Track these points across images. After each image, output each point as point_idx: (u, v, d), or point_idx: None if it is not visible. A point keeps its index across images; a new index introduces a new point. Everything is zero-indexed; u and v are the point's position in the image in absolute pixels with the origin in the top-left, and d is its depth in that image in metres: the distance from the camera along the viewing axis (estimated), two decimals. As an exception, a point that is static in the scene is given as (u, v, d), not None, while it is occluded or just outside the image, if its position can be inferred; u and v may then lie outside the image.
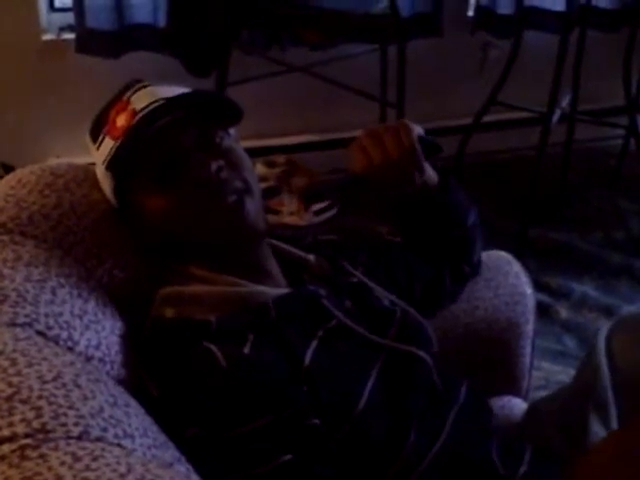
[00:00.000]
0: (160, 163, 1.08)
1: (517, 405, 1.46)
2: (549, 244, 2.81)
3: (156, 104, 1.08)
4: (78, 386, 0.83)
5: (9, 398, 0.78)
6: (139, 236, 1.14)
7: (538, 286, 2.23)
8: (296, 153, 2.98)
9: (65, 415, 0.78)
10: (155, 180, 1.09)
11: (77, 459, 0.73)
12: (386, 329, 1.14)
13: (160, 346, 1.04)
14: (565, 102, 2.90)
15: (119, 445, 0.79)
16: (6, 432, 0.75)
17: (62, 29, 2.79)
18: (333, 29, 2.61)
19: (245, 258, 1.13)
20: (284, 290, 1.14)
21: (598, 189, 3.18)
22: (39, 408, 0.78)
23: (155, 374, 1.01)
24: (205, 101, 1.13)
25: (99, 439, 0.77)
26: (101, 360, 0.98)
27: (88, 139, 1.15)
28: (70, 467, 0.72)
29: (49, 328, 0.94)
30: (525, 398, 1.53)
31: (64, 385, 0.82)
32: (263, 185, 2.91)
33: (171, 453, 0.86)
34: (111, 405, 0.84)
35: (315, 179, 2.80)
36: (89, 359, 0.96)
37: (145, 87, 1.12)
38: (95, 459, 0.74)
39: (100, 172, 1.13)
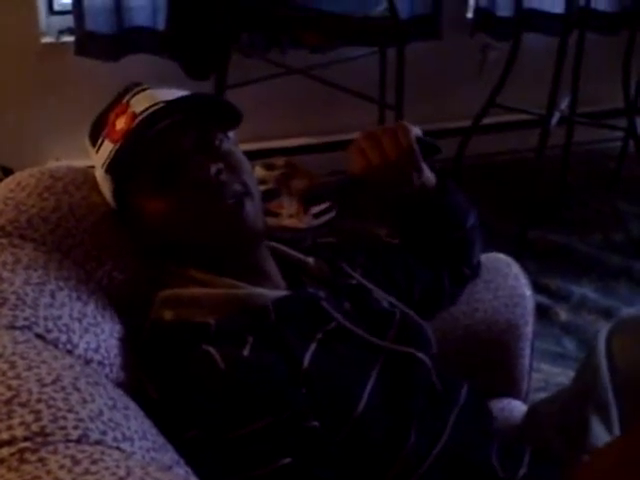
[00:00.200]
0: (159, 166, 1.08)
1: (516, 407, 1.46)
2: (548, 246, 2.81)
3: (155, 107, 1.08)
4: (77, 389, 0.83)
5: (8, 401, 0.78)
6: (138, 239, 1.14)
7: (537, 288, 2.23)
8: (295, 155, 2.98)
9: (64, 418, 0.78)
10: (154, 183, 1.09)
11: (76, 462, 0.73)
12: (385, 331, 1.14)
13: (159, 349, 1.04)
14: (564, 104, 2.90)
15: (118, 448, 0.78)
16: (5, 435, 0.75)
17: (61, 32, 2.79)
18: (332, 32, 2.61)
19: (244, 260, 1.13)
20: (283, 292, 1.14)
21: (597, 191, 3.19)
22: (38, 411, 0.77)
23: (154, 377, 1.01)
24: (204, 104, 1.13)
25: (98, 442, 0.77)
26: (100, 363, 0.98)
27: (87, 142, 1.15)
28: (69, 470, 0.72)
29: (48, 331, 0.94)
30: (525, 400, 1.53)
31: (63, 388, 0.82)
32: (262, 188, 2.92)
33: (170, 456, 0.86)
34: (110, 408, 0.84)
35: (314, 181, 2.80)
36: (88, 362, 0.96)
37: (144, 90, 1.12)
38: (94, 462, 0.74)
39: (99, 175, 1.13)
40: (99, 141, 1.12)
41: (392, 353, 1.12)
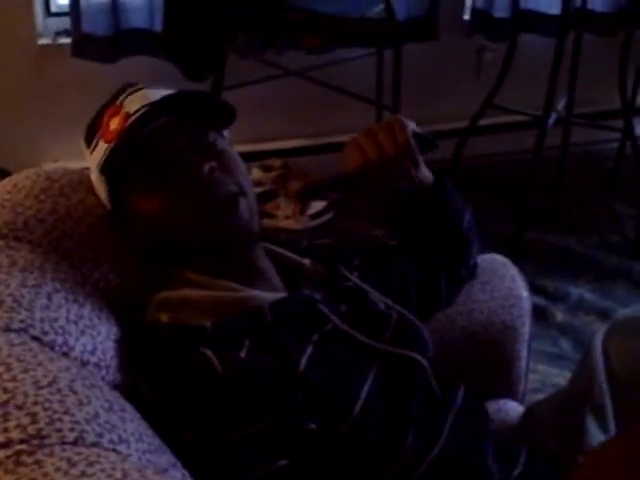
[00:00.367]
0: (153, 165, 1.08)
1: (513, 408, 1.46)
2: (545, 247, 2.81)
3: (149, 107, 1.08)
4: (73, 391, 0.83)
5: (4, 404, 0.78)
6: (135, 240, 1.14)
7: (534, 289, 2.23)
8: (292, 157, 2.98)
9: (60, 421, 0.78)
10: (148, 182, 1.09)
11: (72, 465, 0.73)
12: (382, 333, 1.14)
13: (156, 351, 1.04)
14: (561, 105, 2.90)
15: (114, 450, 0.78)
16: (1, 438, 0.74)
17: (58, 34, 2.79)
18: (330, 33, 2.61)
19: (240, 262, 1.13)
20: (280, 294, 1.14)
21: (594, 192, 3.19)
22: (34, 414, 0.77)
23: (151, 379, 1.01)
24: (197, 102, 1.13)
25: (94, 444, 0.77)
26: (97, 365, 0.98)
27: (83, 144, 1.15)
28: (65, 473, 0.72)
29: (44, 333, 0.94)
30: (521, 401, 1.53)
31: (59, 390, 0.81)
32: (259, 189, 2.93)
33: (167, 458, 0.86)
34: (106, 410, 0.83)
35: (311, 178, 2.80)
36: (85, 364, 0.96)
37: (138, 90, 1.12)
38: (90, 465, 0.74)
39: (94, 176, 1.13)
40: (94, 142, 1.12)
41: (389, 355, 1.12)
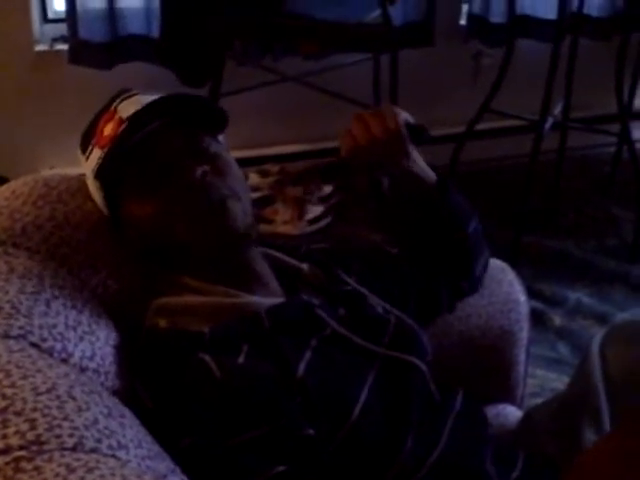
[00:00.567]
0: (147, 168, 1.08)
1: (512, 413, 1.46)
2: (543, 251, 2.81)
3: (142, 110, 1.08)
4: (72, 397, 0.83)
5: (3, 410, 0.78)
6: (132, 245, 1.15)
7: (532, 293, 2.23)
8: (289, 162, 2.98)
9: (59, 427, 0.78)
10: (142, 186, 1.09)
11: (71, 471, 0.73)
12: (381, 337, 1.14)
13: (154, 357, 1.04)
14: (558, 110, 2.91)
15: (114, 456, 0.78)
16: (0, 444, 0.75)
17: (55, 40, 2.79)
18: (327, 39, 2.61)
19: (238, 267, 1.13)
20: (278, 300, 1.14)
21: (591, 196, 3.19)
22: (33, 420, 0.77)
23: (150, 385, 1.01)
24: (190, 105, 1.13)
25: (94, 450, 0.77)
26: (95, 371, 0.98)
27: (79, 151, 1.15)
28: (65, 479, 0.72)
29: (43, 340, 0.94)
30: (520, 405, 1.53)
31: (58, 397, 0.82)
32: (257, 194, 2.93)
33: (166, 464, 0.86)
34: (105, 416, 0.84)
35: (314, 193, 2.81)
36: (83, 370, 0.96)
37: (132, 96, 1.12)
38: (90, 471, 0.74)
39: (90, 182, 1.14)
40: (89, 149, 1.12)
41: (388, 359, 1.12)
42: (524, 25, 3.06)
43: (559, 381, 2.16)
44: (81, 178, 1.18)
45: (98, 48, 2.67)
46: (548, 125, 2.72)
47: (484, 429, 1.20)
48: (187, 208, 1.08)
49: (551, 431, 1.27)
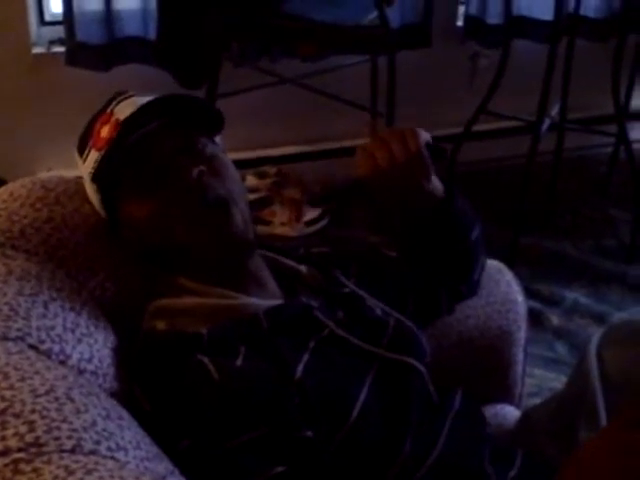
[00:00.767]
0: (143, 170, 1.09)
1: (510, 413, 1.46)
2: (540, 252, 2.82)
3: (138, 111, 1.08)
4: (71, 399, 0.83)
5: (2, 412, 0.78)
6: (129, 247, 1.15)
7: (529, 294, 2.24)
8: (287, 164, 2.98)
9: (58, 429, 0.78)
10: (139, 187, 1.09)
11: (70, 472, 0.73)
12: (379, 338, 1.14)
13: (152, 359, 1.04)
14: (554, 111, 2.91)
15: (112, 458, 0.78)
16: (-1, 446, 0.75)
17: (52, 42, 2.79)
18: (325, 41, 2.62)
19: (236, 269, 1.13)
20: (277, 301, 1.14)
21: (588, 197, 3.20)
22: (32, 422, 0.77)
23: (148, 387, 1.01)
24: (187, 106, 1.13)
25: (92, 452, 0.77)
26: (93, 373, 0.98)
27: (76, 154, 1.15)
28: (63, 480, 0.72)
29: (41, 342, 0.94)
30: (518, 405, 1.53)
31: (57, 399, 0.82)
32: (254, 196, 2.93)
33: (164, 465, 0.86)
34: (104, 418, 0.84)
35: (322, 185, 2.80)
36: (81, 372, 0.96)
37: (128, 98, 1.12)
38: (89, 472, 0.74)
39: (87, 185, 1.14)
40: (86, 151, 1.12)
41: (386, 361, 1.12)
42: (521, 26, 3.07)
43: (557, 381, 2.16)
44: (79, 180, 1.18)
45: (95, 50, 2.67)
46: (545, 126, 2.72)
47: (483, 428, 1.20)
48: (184, 209, 1.08)
49: (549, 431, 1.28)
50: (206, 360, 1.00)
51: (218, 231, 1.09)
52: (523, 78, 2.90)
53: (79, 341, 0.99)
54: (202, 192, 1.08)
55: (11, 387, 0.81)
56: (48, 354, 0.93)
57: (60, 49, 2.74)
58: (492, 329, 1.47)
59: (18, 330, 0.93)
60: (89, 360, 0.98)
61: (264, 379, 1.01)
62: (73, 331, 0.99)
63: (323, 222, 2.82)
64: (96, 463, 0.75)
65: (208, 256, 1.11)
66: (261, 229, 2.64)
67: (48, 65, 2.76)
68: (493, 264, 1.53)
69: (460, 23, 3.22)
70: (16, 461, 0.73)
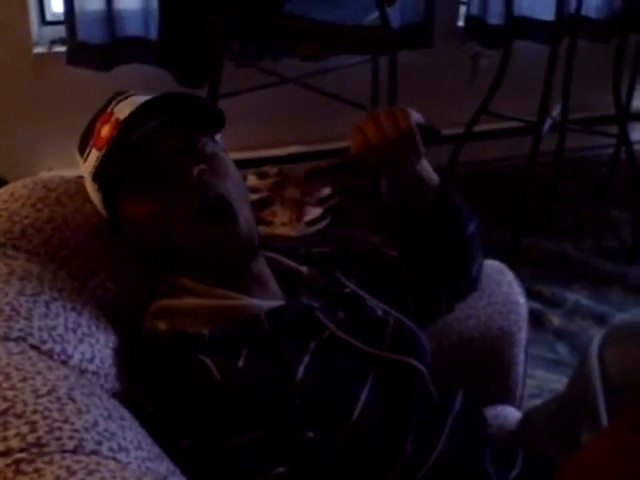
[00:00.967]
0: (143, 169, 1.08)
1: (511, 414, 1.46)
2: (541, 253, 2.82)
3: (138, 110, 1.08)
4: (72, 400, 0.83)
5: (3, 412, 0.78)
6: (131, 246, 1.15)
7: (531, 295, 2.24)
8: (288, 164, 2.98)
9: (60, 429, 0.78)
10: (139, 187, 1.09)
11: (72, 473, 0.73)
12: (380, 339, 1.14)
13: (154, 359, 1.04)
14: (556, 111, 2.91)
15: (114, 459, 0.78)
16: (1, 447, 0.75)
17: (53, 42, 2.79)
18: (326, 41, 2.62)
19: (238, 270, 1.13)
20: (278, 302, 1.14)
21: (589, 198, 3.20)
22: (34, 422, 0.77)
23: (149, 387, 1.01)
24: (187, 105, 1.13)
25: (94, 453, 0.77)
26: (95, 373, 0.98)
27: (77, 154, 1.15)
28: (65, 481, 0.72)
29: (43, 342, 0.94)
30: (519, 406, 1.53)
31: (58, 399, 0.82)
32: (256, 196, 2.93)
33: (166, 466, 0.86)
34: (105, 418, 0.84)
35: (314, 194, 2.80)
36: (83, 372, 0.96)
37: (128, 97, 1.12)
38: (90, 473, 0.74)
39: (88, 185, 1.14)
40: (86, 151, 1.13)
41: (387, 362, 1.12)
42: (522, 26, 3.07)
43: (558, 382, 2.16)
44: (80, 180, 1.18)
45: (96, 50, 2.68)
46: (546, 126, 2.72)
47: (483, 429, 1.20)
48: (184, 207, 1.08)
49: (550, 432, 1.27)
50: (208, 361, 1.00)
51: (220, 232, 1.08)
52: (524, 78, 2.90)
53: (81, 341, 0.99)
54: (202, 191, 1.08)
55: (13, 387, 0.81)
56: (50, 354, 0.93)
57: (61, 49, 2.74)
58: (493, 330, 1.47)
59: (20, 330, 0.93)
60: (91, 360, 0.98)
61: (265, 380, 1.01)
62: (75, 331, 0.99)
63: (324, 222, 2.82)
64: (98, 464, 0.75)
65: (209, 255, 1.11)
66: (262, 229, 2.64)
67: (49, 65, 2.76)
68: (494, 265, 1.53)
69: (461, 23, 3.22)
70: (18, 461, 0.73)
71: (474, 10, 3.15)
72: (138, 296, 1.14)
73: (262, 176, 2.89)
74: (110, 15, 2.68)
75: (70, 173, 1.25)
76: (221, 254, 1.10)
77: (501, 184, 3.20)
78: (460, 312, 1.42)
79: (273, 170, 2.93)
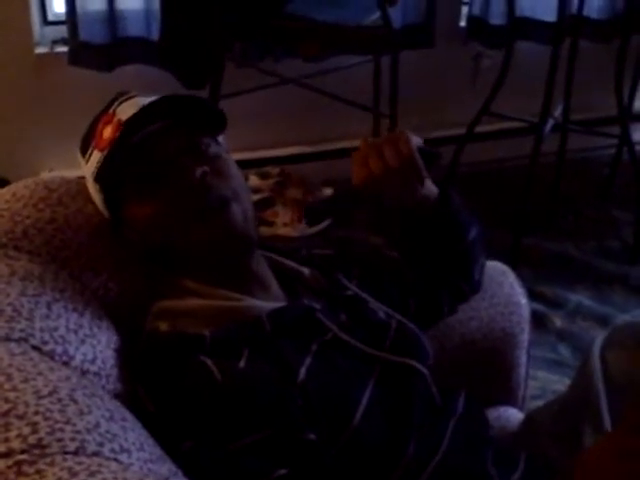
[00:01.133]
0: (145, 171, 1.08)
1: (513, 415, 1.46)
2: (543, 254, 2.81)
3: (140, 112, 1.08)
4: (74, 401, 0.82)
5: (5, 414, 0.78)
6: (133, 247, 1.14)
7: (533, 296, 2.23)
8: (290, 164, 2.98)
9: (61, 430, 0.78)
10: (141, 188, 1.09)
11: (74, 474, 0.73)
12: (382, 341, 1.14)
13: (155, 360, 1.04)
14: (557, 112, 2.91)
15: (116, 460, 0.78)
16: (2, 448, 0.74)
17: (55, 42, 2.79)
18: (328, 41, 2.62)
19: (240, 271, 1.13)
20: (279, 304, 1.13)
21: (591, 198, 3.20)
22: (35, 423, 0.77)
23: (151, 388, 1.01)
24: (189, 106, 1.13)
25: (95, 454, 0.77)
26: (97, 374, 0.97)
27: (78, 154, 1.15)
28: (67, 482, 0.72)
29: (44, 343, 0.93)
30: (521, 408, 1.53)
31: (60, 400, 0.81)
32: (257, 196, 2.93)
33: (168, 467, 0.86)
34: (107, 420, 0.83)
35: (315, 195, 2.80)
36: (85, 373, 0.96)
37: (130, 98, 1.12)
38: (92, 474, 0.73)
39: (90, 185, 1.14)
40: (88, 152, 1.12)
41: (388, 363, 1.12)
42: (524, 27, 3.06)
43: (560, 383, 2.16)
44: (81, 181, 1.18)
45: (98, 50, 2.68)
46: (548, 127, 2.72)
47: (485, 431, 1.20)
48: (187, 209, 1.08)
49: (552, 433, 1.27)
50: (209, 362, 0.99)
51: (218, 229, 1.08)
52: (526, 79, 2.90)
53: (82, 342, 0.98)
54: (205, 192, 1.08)
55: (14, 388, 0.81)
56: (51, 355, 0.93)
57: (63, 49, 2.74)
58: (495, 331, 1.47)
59: (21, 331, 0.92)
60: (92, 361, 0.98)
61: (267, 381, 1.00)
62: (76, 332, 0.99)
63: (326, 223, 2.82)
64: (99, 465, 0.75)
65: (210, 256, 1.11)
66: (264, 230, 2.64)
67: (51, 65, 2.76)
68: (496, 266, 1.53)
69: (463, 24, 3.22)
70: (19, 463, 0.73)
71: (476, 10, 3.15)
72: (140, 297, 1.13)
73: (264, 176, 2.89)
74: (112, 15, 2.68)
75: (72, 174, 1.25)
76: (219, 252, 1.10)
77: (503, 185, 3.19)
78: (462, 314, 1.42)
79: (275, 170, 2.92)
